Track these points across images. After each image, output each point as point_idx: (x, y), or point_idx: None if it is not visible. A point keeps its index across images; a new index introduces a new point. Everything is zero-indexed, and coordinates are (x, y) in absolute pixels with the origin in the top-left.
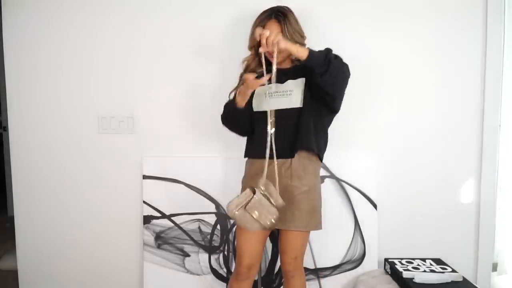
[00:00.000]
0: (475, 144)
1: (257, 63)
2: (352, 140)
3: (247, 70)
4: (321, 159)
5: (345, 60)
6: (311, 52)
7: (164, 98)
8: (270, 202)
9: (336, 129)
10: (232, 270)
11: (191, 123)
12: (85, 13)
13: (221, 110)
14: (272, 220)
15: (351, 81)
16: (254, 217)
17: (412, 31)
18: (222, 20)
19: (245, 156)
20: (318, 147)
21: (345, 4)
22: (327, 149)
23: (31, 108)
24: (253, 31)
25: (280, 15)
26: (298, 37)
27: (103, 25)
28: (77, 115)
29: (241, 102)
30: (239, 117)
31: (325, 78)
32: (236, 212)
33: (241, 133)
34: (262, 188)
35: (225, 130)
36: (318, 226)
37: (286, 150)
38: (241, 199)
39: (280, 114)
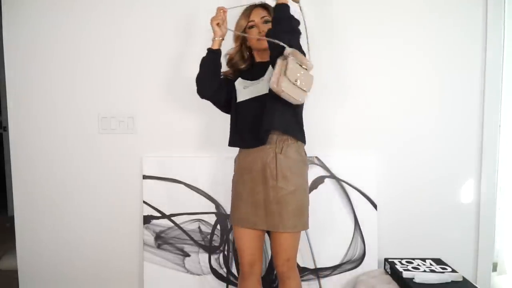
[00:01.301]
0: (475, 144)
1: (240, 56)
2: (352, 140)
3: (230, 63)
4: (301, 141)
5: (345, 62)
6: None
7: (164, 98)
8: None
9: (336, 129)
10: (232, 270)
11: (191, 123)
12: (85, 13)
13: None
14: (310, 86)
15: (351, 81)
16: (298, 84)
17: (412, 31)
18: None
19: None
20: (284, 126)
21: (345, 5)
22: (327, 149)
23: (31, 108)
24: (239, 23)
25: (265, 4)
26: None
27: (103, 25)
28: (77, 115)
29: (214, 45)
30: (212, 64)
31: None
32: (283, 84)
33: (214, 94)
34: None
35: (226, 130)
36: (305, 225)
37: (256, 136)
38: (277, 69)
39: (255, 102)
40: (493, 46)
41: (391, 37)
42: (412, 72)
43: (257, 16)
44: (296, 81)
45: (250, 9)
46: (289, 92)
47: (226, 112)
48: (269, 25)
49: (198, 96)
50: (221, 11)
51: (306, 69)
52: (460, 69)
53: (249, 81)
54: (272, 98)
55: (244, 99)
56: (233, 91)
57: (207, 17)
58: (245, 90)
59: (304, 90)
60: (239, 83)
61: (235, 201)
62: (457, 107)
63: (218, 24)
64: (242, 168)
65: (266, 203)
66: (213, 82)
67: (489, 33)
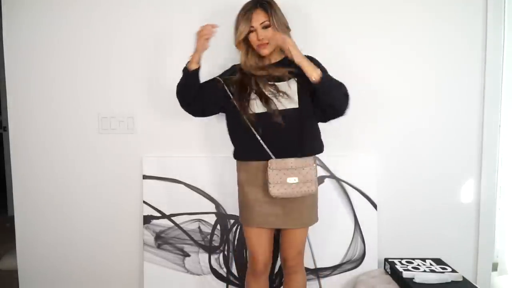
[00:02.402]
0: (475, 144)
1: (252, 55)
2: (352, 140)
3: (246, 68)
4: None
5: (345, 62)
6: (325, 76)
7: (164, 98)
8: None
9: (336, 129)
10: (232, 270)
11: (191, 123)
12: (85, 13)
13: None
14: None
15: (350, 81)
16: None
17: (411, 31)
18: (223, 18)
19: (237, 158)
20: (320, 148)
21: (345, 5)
22: (327, 149)
23: (31, 108)
24: (238, 25)
25: (265, 3)
26: (284, 29)
27: (103, 25)
28: (77, 115)
29: (193, 62)
30: (190, 83)
31: (326, 98)
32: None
33: (192, 106)
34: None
35: (226, 130)
36: (316, 219)
37: (287, 151)
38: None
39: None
40: (493, 46)
41: (390, 38)
42: (412, 72)
43: (256, 21)
44: (291, 180)
45: (250, 12)
46: (285, 193)
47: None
48: (269, 31)
49: None
50: (211, 27)
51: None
52: (460, 69)
53: (275, 84)
54: (305, 117)
55: (264, 111)
56: (222, 99)
57: (207, 17)
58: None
59: (308, 182)
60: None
61: (248, 202)
62: (457, 107)
63: (207, 39)
64: (255, 168)
65: (283, 202)
66: (196, 105)
67: (489, 33)
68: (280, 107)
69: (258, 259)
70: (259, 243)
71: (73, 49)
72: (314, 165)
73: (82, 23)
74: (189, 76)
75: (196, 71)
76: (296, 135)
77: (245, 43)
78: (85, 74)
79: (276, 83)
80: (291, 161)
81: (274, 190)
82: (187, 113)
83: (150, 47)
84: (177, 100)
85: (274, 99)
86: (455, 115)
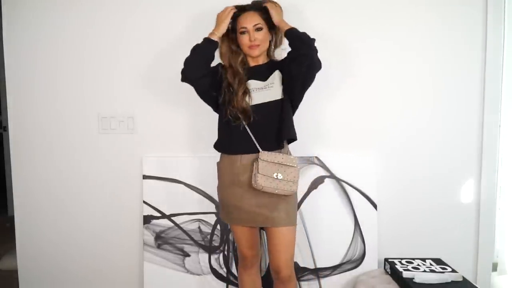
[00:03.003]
0: (475, 144)
1: (231, 52)
2: (352, 140)
3: (225, 60)
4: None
5: (345, 61)
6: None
7: (164, 98)
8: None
9: (336, 129)
10: (232, 270)
11: (191, 123)
12: (85, 13)
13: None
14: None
15: (351, 81)
16: (279, 178)
17: (411, 31)
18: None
19: (221, 151)
20: (295, 134)
21: (345, 6)
22: (327, 149)
23: (31, 108)
24: (224, 18)
25: (260, 7)
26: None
27: (103, 25)
28: (77, 115)
29: (217, 31)
30: (207, 52)
31: (304, 48)
32: (259, 181)
33: (199, 78)
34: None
35: None
36: (295, 221)
37: (273, 142)
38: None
39: (262, 108)
40: (493, 47)
41: (390, 38)
42: (412, 72)
43: (250, 23)
44: (276, 175)
45: (241, 12)
46: (270, 187)
47: (204, 99)
48: (261, 33)
49: (198, 96)
50: (232, 10)
51: (284, 164)
52: (460, 69)
53: (262, 82)
54: (287, 106)
55: (256, 103)
56: (217, 85)
57: (207, 17)
58: (255, 94)
59: (291, 181)
60: (249, 85)
61: (227, 201)
62: (457, 107)
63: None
64: (239, 168)
65: (263, 200)
66: (202, 68)
67: (489, 33)
68: (267, 100)
69: (244, 253)
70: (244, 238)
71: (73, 49)
72: (298, 167)
73: (82, 23)
74: (209, 42)
75: (216, 42)
76: (278, 125)
77: (227, 38)
78: (85, 74)
79: (261, 80)
80: (281, 156)
81: (261, 181)
82: (187, 113)
83: (150, 47)
84: (177, 100)
85: (259, 93)
86: (455, 115)
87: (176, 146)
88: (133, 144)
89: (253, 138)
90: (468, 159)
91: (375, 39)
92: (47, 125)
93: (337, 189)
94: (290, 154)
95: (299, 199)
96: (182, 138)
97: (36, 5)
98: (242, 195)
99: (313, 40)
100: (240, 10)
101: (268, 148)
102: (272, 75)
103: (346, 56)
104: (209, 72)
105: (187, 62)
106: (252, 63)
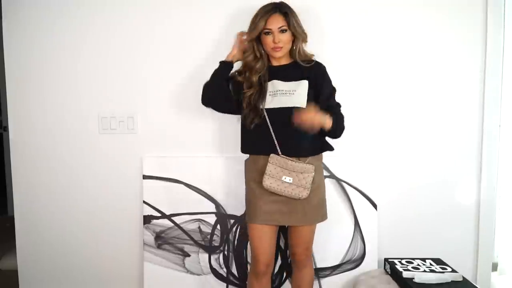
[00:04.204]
0: (475, 144)
1: (254, 57)
2: (352, 140)
3: (246, 68)
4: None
5: (345, 60)
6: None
7: (164, 98)
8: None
9: None
10: (232, 270)
11: (192, 123)
12: (85, 13)
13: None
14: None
15: (351, 81)
16: (287, 181)
17: (412, 31)
18: (222, 18)
19: (245, 152)
20: (328, 146)
21: (345, 6)
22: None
23: (31, 108)
24: (255, 21)
25: (285, 9)
26: (302, 35)
27: (103, 24)
28: (77, 115)
29: (232, 56)
30: (222, 76)
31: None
32: (267, 182)
33: (221, 104)
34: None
35: (226, 130)
36: (324, 216)
37: (293, 147)
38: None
39: (284, 112)
40: (493, 47)
41: (390, 38)
42: (412, 72)
43: (275, 25)
44: (285, 178)
45: (269, 14)
46: (276, 188)
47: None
48: (285, 35)
49: (198, 96)
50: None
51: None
52: (460, 70)
53: (272, 87)
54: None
55: (276, 106)
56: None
57: (205, 18)
58: (277, 98)
59: (301, 187)
60: (273, 85)
61: (254, 200)
62: (457, 107)
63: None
64: (261, 164)
65: (288, 199)
66: (218, 95)
67: (489, 33)
68: (289, 105)
69: (260, 259)
70: (261, 242)
71: (73, 49)
72: (313, 173)
73: (82, 23)
74: (223, 66)
75: (230, 63)
76: (303, 134)
77: (253, 42)
78: (85, 74)
79: (287, 82)
80: (292, 164)
81: (267, 182)
82: (187, 113)
83: (150, 47)
84: (177, 100)
85: (283, 97)
86: (455, 115)
87: (176, 146)
88: (133, 144)
89: (275, 140)
90: (468, 159)
91: (374, 40)
92: (47, 125)
93: (337, 189)
94: (320, 160)
95: None
96: (182, 138)
97: (36, 5)
98: (262, 193)
99: (342, 130)
100: (267, 11)
101: (287, 151)
102: (298, 82)
103: (346, 56)
104: (227, 96)
105: (205, 89)
106: (274, 63)
